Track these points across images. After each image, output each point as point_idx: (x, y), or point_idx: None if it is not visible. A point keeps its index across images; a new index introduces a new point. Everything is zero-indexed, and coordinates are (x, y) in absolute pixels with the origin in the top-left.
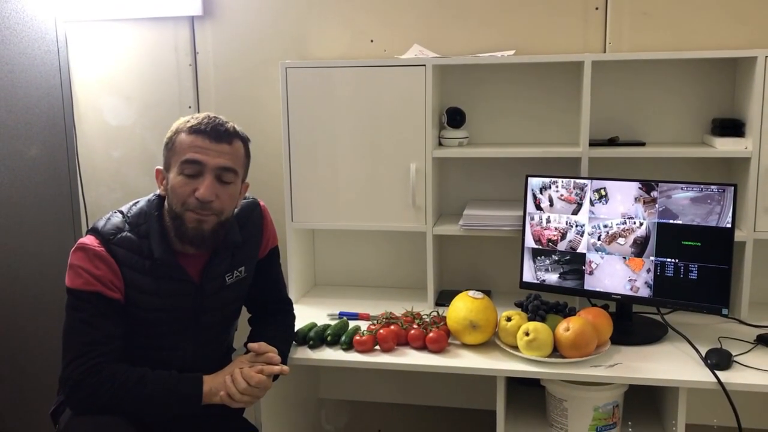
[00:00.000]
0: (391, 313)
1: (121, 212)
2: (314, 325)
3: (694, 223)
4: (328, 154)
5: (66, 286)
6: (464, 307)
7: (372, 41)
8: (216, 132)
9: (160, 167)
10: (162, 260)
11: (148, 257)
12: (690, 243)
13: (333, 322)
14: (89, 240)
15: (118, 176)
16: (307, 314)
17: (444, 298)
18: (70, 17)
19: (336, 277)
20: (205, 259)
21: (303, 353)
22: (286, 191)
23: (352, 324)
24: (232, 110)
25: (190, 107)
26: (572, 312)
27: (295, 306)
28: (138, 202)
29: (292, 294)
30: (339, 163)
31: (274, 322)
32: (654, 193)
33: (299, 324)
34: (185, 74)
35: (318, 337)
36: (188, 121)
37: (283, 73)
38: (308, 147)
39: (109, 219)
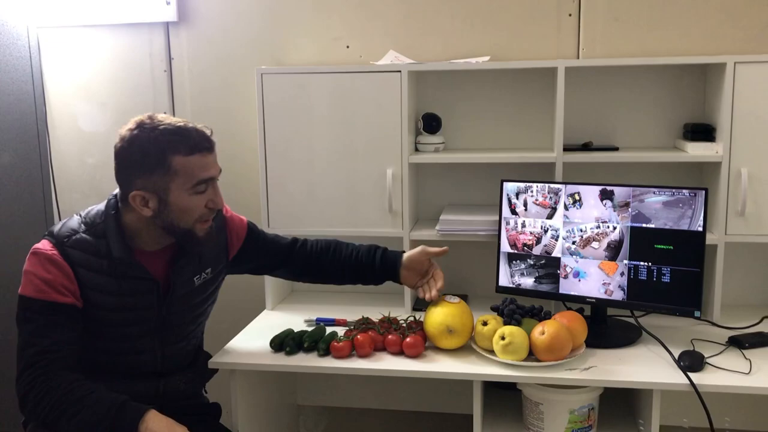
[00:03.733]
0: (368, 318)
1: (79, 215)
2: (291, 331)
3: (667, 227)
4: (305, 160)
5: (18, 294)
6: (441, 311)
7: (348, 47)
8: (208, 142)
9: (139, 192)
10: (120, 259)
11: (105, 257)
12: (662, 246)
13: (310, 329)
14: (42, 244)
15: (92, 183)
16: (283, 321)
17: (421, 303)
18: (43, 23)
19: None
20: (166, 258)
21: (280, 360)
22: (262, 197)
23: (329, 330)
24: (207, 116)
25: (165, 113)
26: (547, 316)
27: (271, 313)
28: (96, 205)
29: (270, 301)
30: (315, 168)
31: (331, 247)
32: (615, 200)
33: (275, 331)
34: (160, 80)
35: (295, 344)
36: (166, 136)
37: (258, 79)
38: (284, 153)
39: (65, 222)
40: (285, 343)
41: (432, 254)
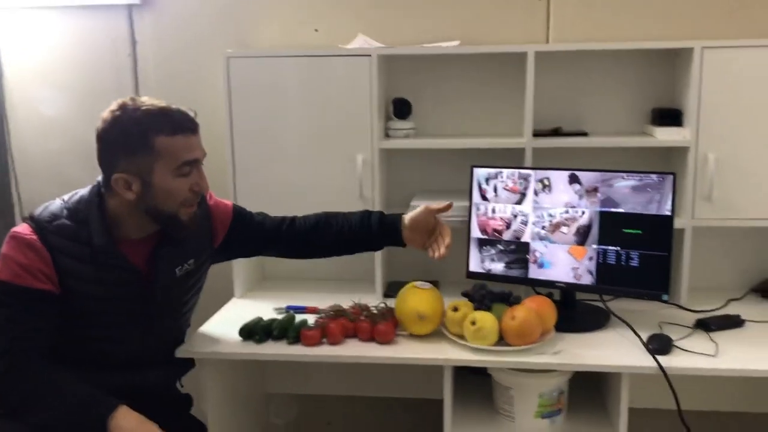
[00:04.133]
0: (339, 305)
1: (62, 199)
2: (260, 319)
3: (635, 212)
4: (274, 146)
5: None
6: (411, 298)
7: (317, 31)
8: (192, 123)
9: (122, 175)
10: (101, 247)
11: (86, 244)
12: (631, 231)
13: (280, 317)
14: (22, 228)
15: (54, 169)
16: (253, 309)
17: (392, 289)
18: (0, 3)
19: (284, 270)
20: (149, 247)
21: (249, 348)
22: (229, 184)
23: (299, 318)
24: (173, 101)
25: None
26: (517, 301)
27: (240, 301)
28: (80, 190)
29: (238, 289)
30: (285, 154)
31: (321, 222)
32: (583, 185)
33: (244, 319)
34: (124, 64)
35: (264, 332)
36: (149, 117)
37: (225, 63)
38: (253, 139)
39: (47, 206)
40: (254, 331)
41: (436, 211)
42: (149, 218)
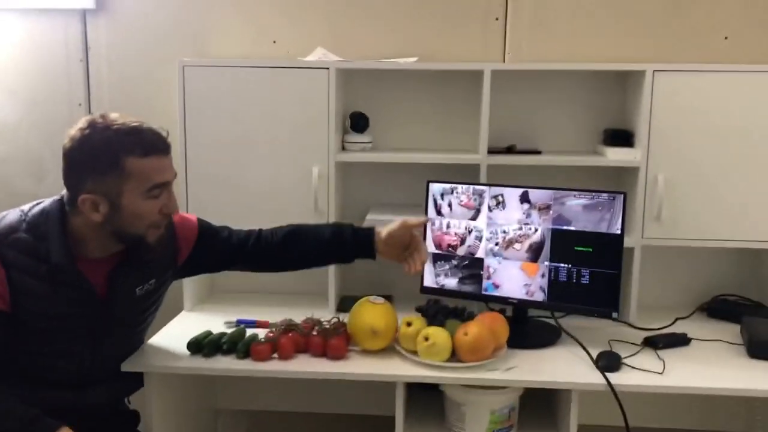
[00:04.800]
0: (290, 320)
1: (22, 210)
2: (209, 333)
3: (587, 230)
4: (228, 157)
5: None
6: (365, 312)
7: (275, 42)
8: (164, 144)
9: (89, 196)
10: (59, 265)
11: (45, 261)
12: (582, 249)
13: (230, 330)
14: None
15: (1, 177)
16: (202, 323)
17: (345, 304)
18: None
19: (234, 284)
20: (110, 266)
21: (197, 363)
22: (182, 195)
23: (249, 332)
24: (126, 109)
25: (80, 105)
26: (470, 316)
27: (190, 314)
28: (42, 201)
29: (188, 302)
30: (239, 166)
31: (292, 236)
32: (534, 203)
33: (193, 333)
34: (75, 70)
35: (213, 346)
36: (120, 137)
37: (180, 71)
38: (206, 149)
39: (4, 216)
40: (203, 345)
41: (413, 226)
42: (114, 239)
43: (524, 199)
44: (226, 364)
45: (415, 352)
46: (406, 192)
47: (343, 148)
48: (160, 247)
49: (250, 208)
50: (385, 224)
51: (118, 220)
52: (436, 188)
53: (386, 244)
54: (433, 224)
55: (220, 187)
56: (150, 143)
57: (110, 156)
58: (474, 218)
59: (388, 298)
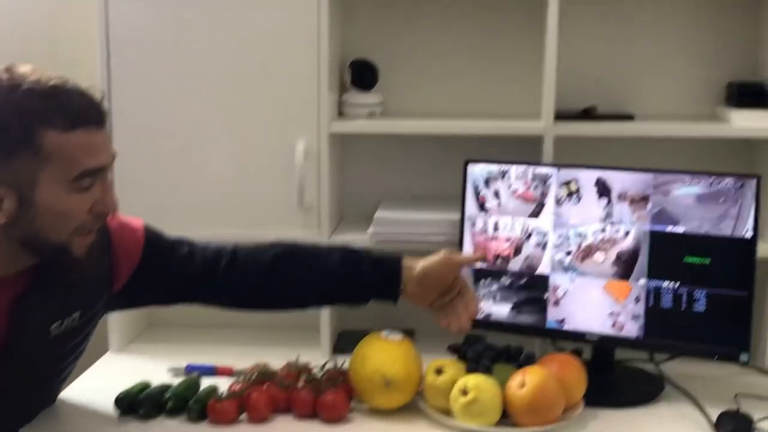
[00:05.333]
0: (265, 365)
1: None
2: (147, 385)
3: (702, 232)
4: (172, 130)
5: None
6: (375, 354)
7: None
8: (97, 113)
9: None
10: None
11: None
12: (696, 260)
13: (176, 380)
14: None
15: None
16: (137, 368)
17: (345, 342)
18: None
19: (181, 312)
20: (13, 292)
21: (130, 427)
22: None
23: (205, 383)
24: (22, 57)
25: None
26: (530, 360)
27: (119, 357)
28: None
29: (116, 339)
30: (189, 143)
31: (282, 260)
32: (628, 192)
33: (123, 384)
34: None
35: (152, 404)
36: (34, 101)
37: (101, 2)
38: (140, 118)
39: None
40: (138, 402)
41: (460, 264)
42: (23, 250)
43: (609, 187)
44: (171, 429)
45: (448, 412)
46: (434, 178)
47: (341, 114)
48: (91, 263)
49: (205, 204)
50: (402, 226)
51: (31, 223)
52: (477, 172)
53: (420, 283)
54: (472, 225)
55: (160, 177)
56: (77, 111)
57: (18, 129)
58: (535, 215)
59: (409, 333)
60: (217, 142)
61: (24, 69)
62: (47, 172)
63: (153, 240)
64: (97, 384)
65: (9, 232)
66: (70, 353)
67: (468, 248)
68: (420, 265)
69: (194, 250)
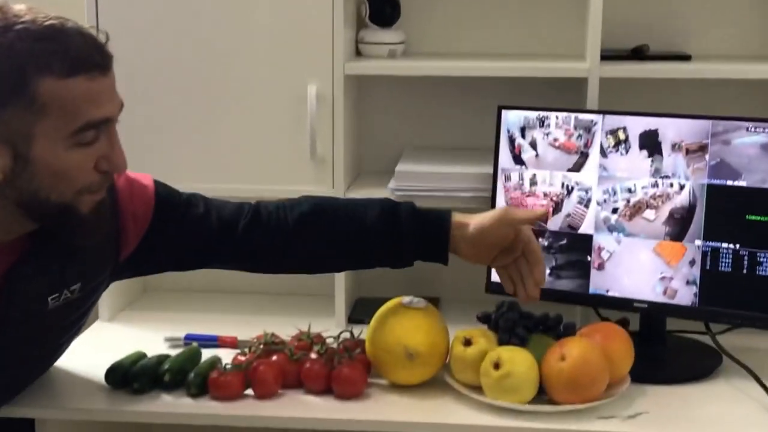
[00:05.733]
0: (273, 335)
1: None
2: (142, 356)
3: (766, 186)
4: (174, 75)
5: None
6: (395, 324)
7: None
8: (101, 56)
9: None
10: None
11: None
12: (759, 218)
13: (174, 352)
14: None
15: None
16: (130, 339)
17: (362, 310)
18: None
19: (180, 277)
20: (8, 260)
21: (123, 403)
22: None
23: (206, 354)
24: None
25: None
26: (570, 331)
27: (110, 326)
28: None
29: (107, 306)
30: (190, 89)
31: (311, 212)
32: (682, 142)
33: (115, 356)
34: None
35: (148, 377)
36: (30, 43)
37: None
38: (131, 63)
39: None
40: (132, 375)
41: (523, 221)
42: (22, 213)
43: (662, 136)
44: (169, 405)
45: (478, 388)
46: (463, 125)
47: (358, 53)
48: (99, 224)
49: (207, 157)
50: (427, 180)
51: (27, 182)
52: (512, 119)
53: (475, 243)
54: (507, 179)
55: (154, 126)
56: (78, 54)
57: (10, 76)
58: (577, 169)
59: (433, 301)
60: (220, 88)
61: (18, 8)
62: (44, 125)
63: (165, 198)
64: (87, 356)
65: (4, 192)
66: (68, 328)
67: (501, 205)
68: (474, 222)
69: (210, 208)
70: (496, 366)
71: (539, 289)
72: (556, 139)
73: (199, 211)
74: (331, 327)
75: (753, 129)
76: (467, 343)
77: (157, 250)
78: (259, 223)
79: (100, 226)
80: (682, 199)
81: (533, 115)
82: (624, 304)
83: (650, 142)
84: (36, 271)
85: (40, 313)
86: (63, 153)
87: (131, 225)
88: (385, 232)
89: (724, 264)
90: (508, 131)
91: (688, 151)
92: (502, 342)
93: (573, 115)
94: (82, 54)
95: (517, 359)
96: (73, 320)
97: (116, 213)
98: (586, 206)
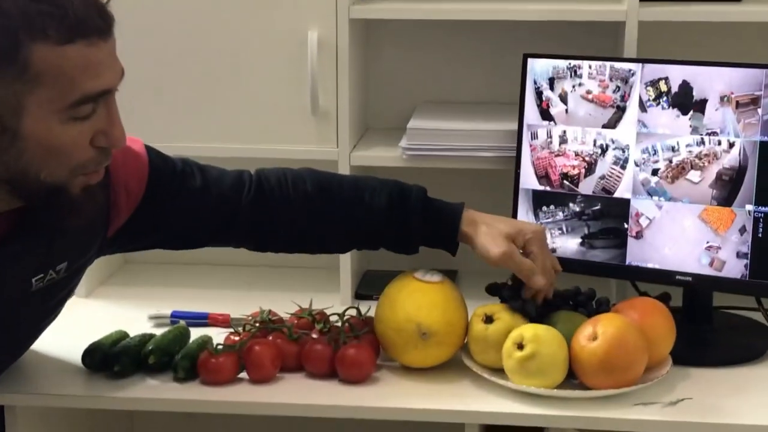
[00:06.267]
0: (270, 312)
1: None
2: (124, 335)
3: None
4: (160, 25)
5: None
6: (408, 299)
7: None
8: (103, 19)
9: None
10: None
11: None
12: None
13: (159, 331)
14: None
15: None
16: (109, 317)
17: (370, 284)
18: None
19: None
20: None
21: (102, 387)
22: None
23: (195, 333)
24: None
25: None
26: (604, 307)
27: (88, 303)
28: None
29: (85, 281)
30: (177, 39)
31: (321, 187)
32: (730, 95)
33: (93, 335)
34: None
35: (130, 358)
36: (18, 7)
37: None
38: (121, 17)
39: None
40: (112, 357)
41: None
42: (7, 190)
43: (709, 87)
44: (153, 390)
45: (500, 371)
46: (483, 77)
47: None
48: (90, 206)
49: (194, 115)
50: (442, 138)
51: (16, 158)
52: (540, 69)
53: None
54: (533, 137)
55: (141, 81)
56: (76, 18)
57: (2, 41)
58: (612, 125)
59: (450, 274)
60: (213, 37)
61: None
62: (37, 96)
63: (159, 167)
64: (61, 336)
65: None
66: (51, 310)
67: (527, 167)
68: (478, 243)
69: (208, 181)
70: (520, 346)
71: (550, 289)
72: (588, 92)
73: (195, 184)
74: (336, 303)
75: None
76: (488, 320)
77: (149, 226)
78: (261, 200)
79: (92, 204)
80: (731, 159)
81: (563, 64)
82: (665, 277)
83: (695, 95)
84: (21, 251)
85: (23, 294)
86: (56, 127)
87: (123, 198)
88: (394, 224)
89: None
90: (535, 83)
91: (738, 105)
92: (527, 320)
93: (608, 64)
94: (81, 16)
95: (544, 338)
96: (55, 303)
97: (107, 184)
98: (623, 167)
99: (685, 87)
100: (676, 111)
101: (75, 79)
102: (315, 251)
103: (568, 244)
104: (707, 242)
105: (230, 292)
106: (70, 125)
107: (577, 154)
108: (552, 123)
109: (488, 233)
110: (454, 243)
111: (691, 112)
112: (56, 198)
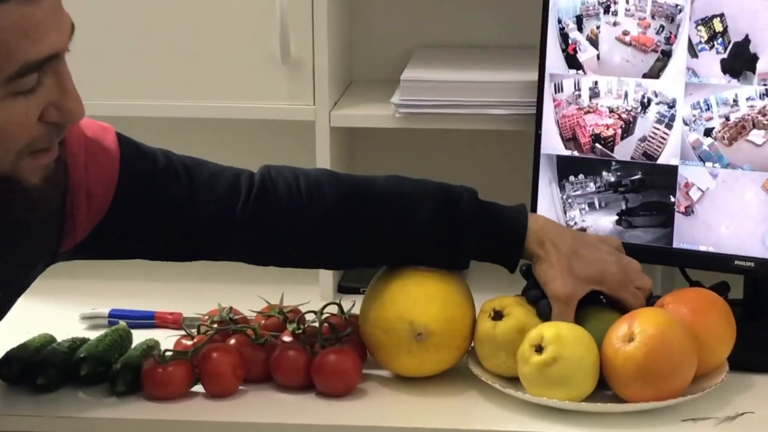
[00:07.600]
0: (231, 310)
1: None
2: (50, 340)
3: None
4: None
5: None
6: (400, 294)
7: None
8: None
9: None
10: None
11: None
12: None
13: (94, 334)
14: None
15: None
16: (32, 317)
17: (356, 275)
18: None
19: None
20: None
21: (22, 403)
22: None
23: (138, 337)
24: None
25: None
26: (647, 301)
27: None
28: None
29: None
30: None
31: (347, 194)
32: None
33: (13, 341)
34: None
35: (57, 368)
36: None
37: None
38: None
39: None
40: (35, 367)
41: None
42: None
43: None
44: (86, 407)
45: (515, 379)
46: (494, 15)
47: None
48: (49, 195)
49: (148, 68)
50: (443, 92)
51: None
52: (564, 5)
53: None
54: (557, 89)
55: (95, 36)
56: None
57: None
58: (655, 74)
59: None
60: None
61: None
62: None
63: (133, 167)
64: None
65: None
66: None
67: (550, 127)
68: (542, 270)
69: (195, 183)
70: (539, 349)
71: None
72: (626, 32)
73: (179, 191)
74: (314, 298)
75: None
76: (497, 316)
77: (115, 236)
78: (262, 215)
79: (50, 198)
80: None
81: (594, 0)
82: (722, 262)
83: (759, 37)
84: None
85: None
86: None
87: (82, 207)
88: (441, 238)
89: None
90: (559, 22)
91: None
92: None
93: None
94: None
95: (568, 339)
96: None
97: (62, 185)
98: (669, 126)
99: (748, 27)
100: (736, 56)
101: (10, 47)
102: (330, 269)
103: (602, 222)
104: None
105: (182, 285)
106: (12, 102)
107: (611, 111)
108: (580, 72)
109: (560, 262)
110: (515, 262)
111: (760, 57)
112: (5, 189)
